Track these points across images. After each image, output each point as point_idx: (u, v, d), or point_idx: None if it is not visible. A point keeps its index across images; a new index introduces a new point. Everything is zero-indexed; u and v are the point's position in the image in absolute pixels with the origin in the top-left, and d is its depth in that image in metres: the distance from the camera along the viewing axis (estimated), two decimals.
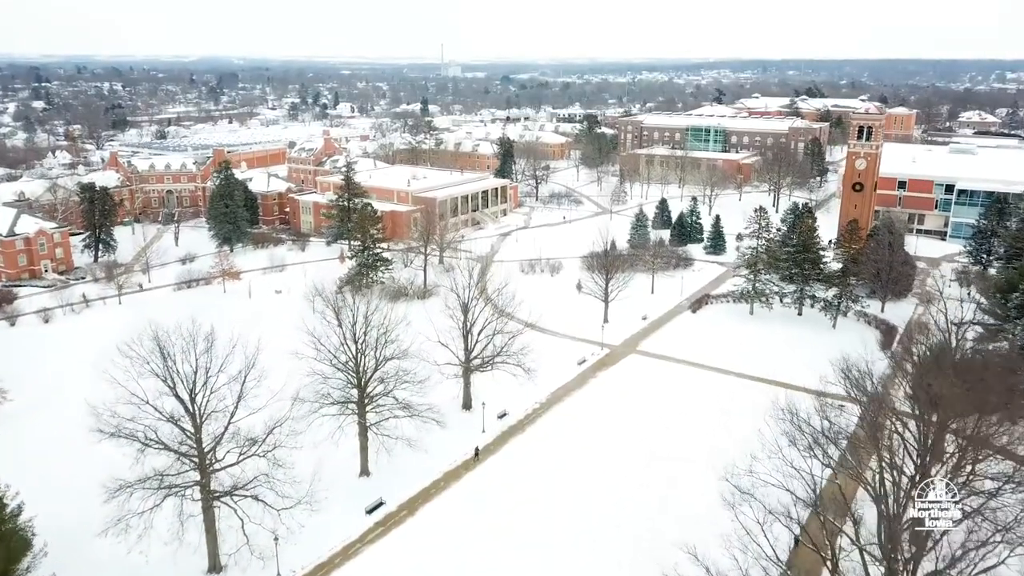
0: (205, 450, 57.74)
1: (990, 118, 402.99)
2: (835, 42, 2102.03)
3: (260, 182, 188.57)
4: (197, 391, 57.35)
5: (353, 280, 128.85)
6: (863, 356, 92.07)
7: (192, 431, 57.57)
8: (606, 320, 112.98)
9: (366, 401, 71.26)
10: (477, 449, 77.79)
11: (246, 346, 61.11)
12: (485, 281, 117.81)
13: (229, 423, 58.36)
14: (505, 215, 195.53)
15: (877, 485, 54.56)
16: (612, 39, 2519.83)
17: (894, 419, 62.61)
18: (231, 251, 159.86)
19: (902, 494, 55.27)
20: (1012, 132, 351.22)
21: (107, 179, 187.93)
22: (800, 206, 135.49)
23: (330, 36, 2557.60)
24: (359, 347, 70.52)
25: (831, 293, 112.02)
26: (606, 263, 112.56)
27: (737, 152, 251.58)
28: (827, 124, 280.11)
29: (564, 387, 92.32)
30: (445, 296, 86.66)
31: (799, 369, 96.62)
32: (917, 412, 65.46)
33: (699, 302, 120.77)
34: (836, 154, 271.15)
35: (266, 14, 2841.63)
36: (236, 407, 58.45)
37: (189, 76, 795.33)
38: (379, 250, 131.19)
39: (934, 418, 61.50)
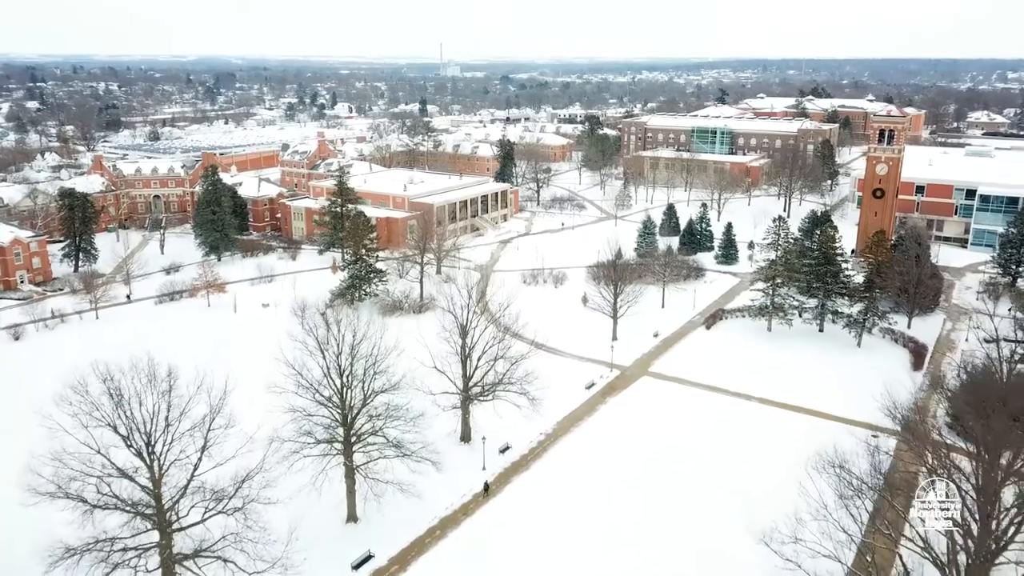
0: (165, 507, 50.28)
1: (999, 118, 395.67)
2: (835, 41, 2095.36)
3: (250, 187, 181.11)
4: (156, 440, 49.84)
5: (345, 293, 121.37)
6: (900, 384, 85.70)
7: (150, 486, 50.07)
8: (615, 338, 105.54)
9: (353, 440, 63.77)
10: (487, 484, 70.72)
11: (211, 389, 53.40)
12: (486, 301, 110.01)
13: (193, 475, 50.86)
14: (505, 220, 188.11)
15: (942, 551, 47.28)
16: (611, 39, 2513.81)
17: (951, 469, 54.88)
18: (218, 260, 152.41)
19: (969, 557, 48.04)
20: (1023, 133, 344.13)
21: (91, 184, 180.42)
22: (819, 214, 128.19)
23: (329, 36, 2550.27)
24: (344, 381, 63.00)
25: (856, 309, 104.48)
26: (614, 277, 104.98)
27: (744, 154, 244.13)
28: (836, 125, 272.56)
29: (572, 415, 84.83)
30: (442, 317, 79.04)
31: (826, 394, 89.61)
32: (975, 451, 58.30)
33: (713, 317, 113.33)
34: (843, 156, 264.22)
35: (266, 14, 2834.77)
36: (200, 458, 50.93)
37: (186, 76, 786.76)
38: (373, 261, 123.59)
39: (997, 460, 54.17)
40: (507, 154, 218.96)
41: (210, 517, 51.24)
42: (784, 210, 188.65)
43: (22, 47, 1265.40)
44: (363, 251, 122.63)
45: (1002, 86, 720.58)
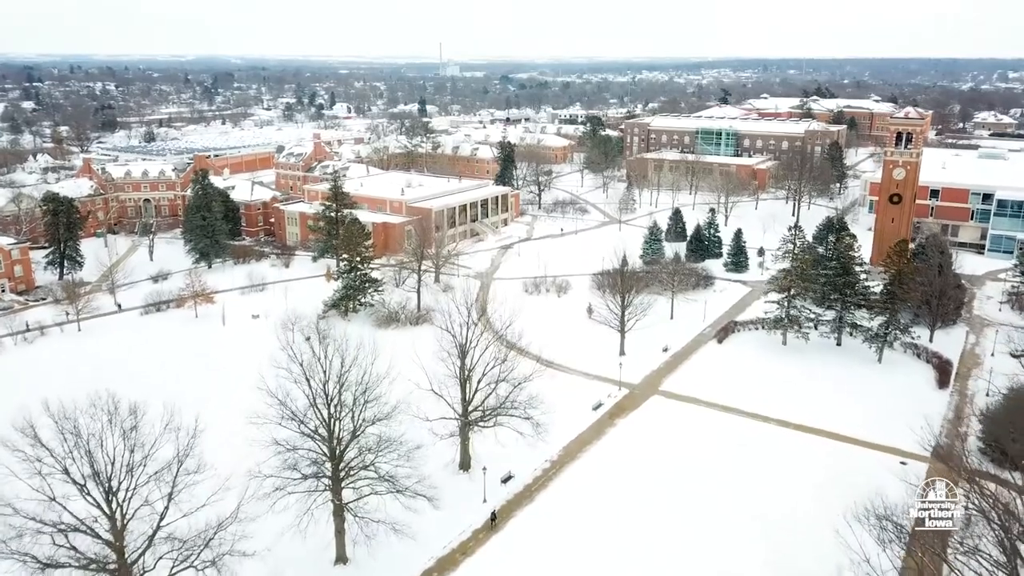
0: (128, 561, 44.86)
1: (1005, 119, 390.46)
2: (834, 41, 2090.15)
3: (243, 190, 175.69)
4: (117, 487, 44.44)
5: (338, 304, 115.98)
6: (926, 403, 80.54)
7: (111, 538, 44.67)
8: (622, 352, 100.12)
9: (342, 475, 58.38)
10: (494, 514, 65.70)
11: (179, 430, 47.95)
12: (487, 315, 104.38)
13: (159, 525, 45.47)
14: (506, 225, 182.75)
15: None
16: (611, 39, 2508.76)
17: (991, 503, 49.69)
18: (209, 267, 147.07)
19: None
20: None
21: (79, 187, 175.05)
22: (834, 220, 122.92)
23: (328, 36, 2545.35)
24: (332, 411, 57.61)
25: (877, 322, 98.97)
26: (622, 289, 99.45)
27: (750, 156, 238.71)
28: (844, 127, 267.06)
29: (579, 439, 79.41)
30: (440, 336, 73.54)
31: (848, 415, 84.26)
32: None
33: (725, 330, 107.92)
34: (850, 157, 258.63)
35: (266, 14, 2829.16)
36: (167, 505, 45.52)
37: (184, 76, 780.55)
38: (368, 270, 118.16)
39: None
40: (507, 156, 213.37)
41: (179, 572, 45.82)
42: (793, 214, 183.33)
43: (21, 47, 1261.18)
44: (358, 260, 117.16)
45: (1004, 86, 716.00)
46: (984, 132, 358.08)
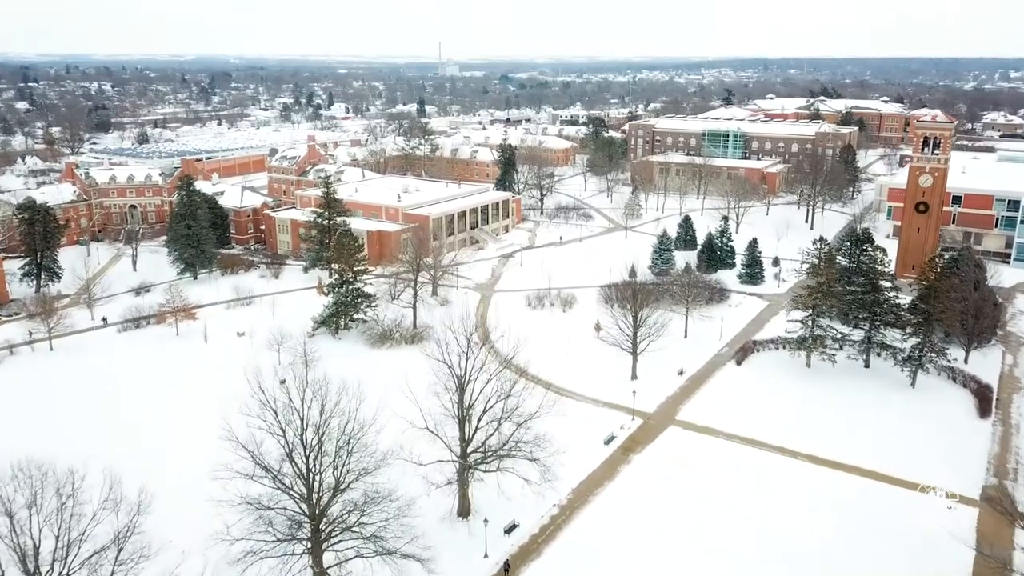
0: None
1: (1015, 119, 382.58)
2: (834, 40, 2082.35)
3: (232, 196, 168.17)
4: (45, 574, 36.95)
5: (328, 321, 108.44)
6: (966, 434, 73.57)
7: None
8: (634, 376, 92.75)
9: (322, 536, 50.94)
10: (507, 564, 58.54)
11: (120, 502, 40.40)
12: (488, 334, 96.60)
13: None
14: (507, 232, 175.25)
15: None
16: (610, 38, 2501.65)
17: None
18: (194, 278, 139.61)
19: None
20: None
21: (61, 193, 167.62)
22: (858, 230, 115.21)
23: (328, 35, 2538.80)
24: (311, 465, 50.16)
25: (910, 343, 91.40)
26: (634, 308, 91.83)
27: (758, 159, 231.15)
28: (855, 128, 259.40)
29: (590, 479, 71.90)
30: (436, 367, 65.89)
31: (883, 448, 77.03)
32: None
33: (744, 350, 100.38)
34: (860, 160, 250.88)
35: (265, 13, 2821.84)
36: None
37: (181, 76, 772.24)
38: (360, 284, 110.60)
39: None
40: (508, 159, 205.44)
41: None
42: (806, 220, 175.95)
43: (20, 47, 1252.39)
44: (350, 273, 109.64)
45: (1008, 86, 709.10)
46: (994, 133, 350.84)
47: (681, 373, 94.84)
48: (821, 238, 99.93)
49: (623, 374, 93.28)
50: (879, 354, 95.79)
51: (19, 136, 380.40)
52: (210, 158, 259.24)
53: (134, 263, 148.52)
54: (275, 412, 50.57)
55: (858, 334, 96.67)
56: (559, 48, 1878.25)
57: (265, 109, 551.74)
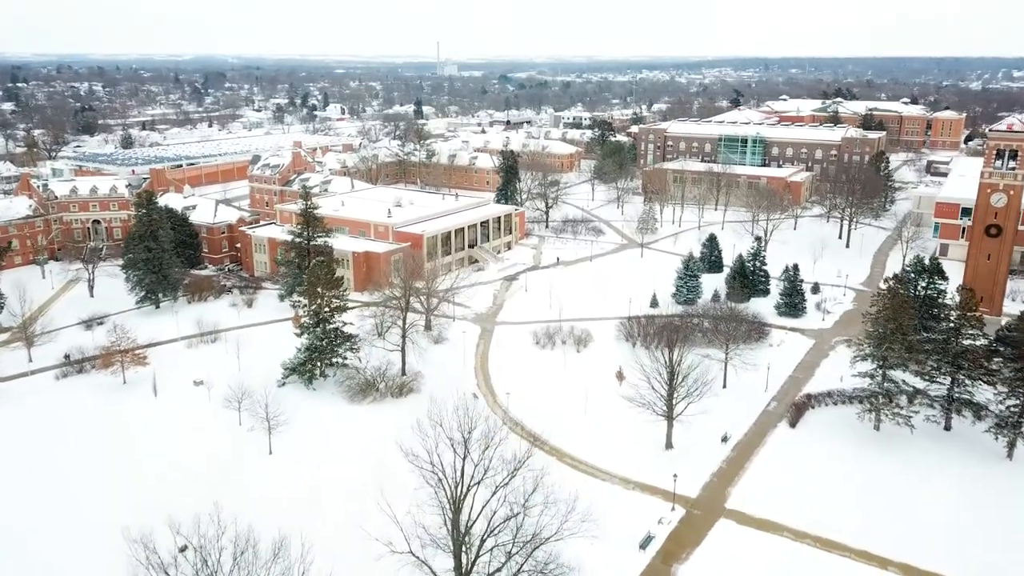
0: None
1: None
2: (833, 40, 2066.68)
3: (205, 210, 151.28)
4: None
5: (301, 369, 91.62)
6: None
7: None
8: (669, 444, 76.27)
9: None
10: None
11: None
12: (493, 394, 79.42)
13: None
14: (509, 248, 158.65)
15: None
16: (610, 38, 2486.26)
17: None
18: (157, 307, 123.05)
19: None
20: None
21: (14, 208, 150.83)
22: (926, 260, 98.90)
23: (326, 35, 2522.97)
24: None
25: (1009, 404, 74.73)
26: (670, 362, 74.99)
27: (779, 166, 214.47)
28: (883, 133, 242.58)
29: None
30: (424, 478, 49.20)
31: (989, 548, 60.42)
32: None
33: (798, 408, 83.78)
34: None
35: (264, 13, 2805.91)
36: None
37: (174, 76, 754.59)
38: (339, 324, 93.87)
39: None
40: (510, 167, 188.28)
41: None
42: (840, 236, 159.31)
43: (16, 46, 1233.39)
44: (327, 310, 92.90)
45: (1016, 86, 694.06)
46: None
47: (725, 439, 78.19)
48: (896, 276, 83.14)
49: (655, 440, 76.77)
50: (959, 412, 79.36)
51: (0, 139, 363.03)
52: (192, 164, 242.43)
53: (91, 288, 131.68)
54: None
55: (936, 388, 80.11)
56: (558, 47, 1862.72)
57: (258, 110, 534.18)
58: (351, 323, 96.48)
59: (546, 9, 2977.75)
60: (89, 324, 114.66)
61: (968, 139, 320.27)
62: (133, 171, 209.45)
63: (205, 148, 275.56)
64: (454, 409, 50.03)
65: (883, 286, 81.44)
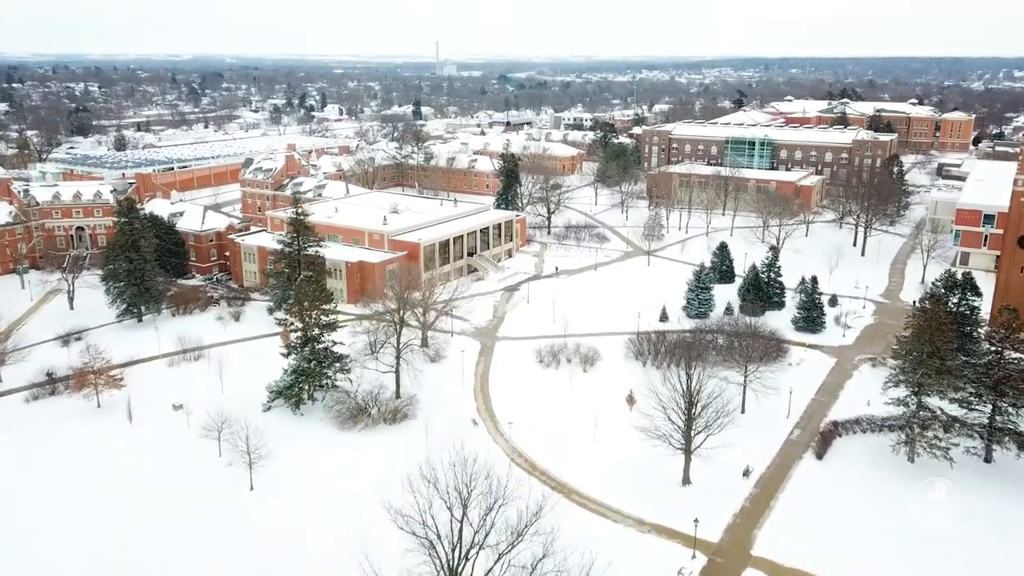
0: None
1: None
2: (833, 39, 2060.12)
3: (193, 217, 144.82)
4: None
5: (287, 392, 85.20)
6: None
7: None
8: (687, 480, 69.90)
9: None
10: None
11: None
12: (495, 420, 72.88)
13: None
14: (510, 256, 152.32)
15: None
16: (609, 38, 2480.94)
17: None
18: (139, 321, 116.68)
19: None
20: None
21: None
22: (960, 275, 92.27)
23: (326, 35, 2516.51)
24: None
25: None
26: (688, 391, 68.56)
27: (787, 169, 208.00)
28: (895, 136, 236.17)
29: None
30: (418, 537, 42.93)
31: None
32: None
33: (824, 437, 77.37)
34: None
35: (264, 13, 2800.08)
36: None
37: (171, 76, 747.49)
38: (328, 343, 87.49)
39: None
40: (511, 171, 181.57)
41: None
42: (855, 244, 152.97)
43: (14, 46, 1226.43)
44: (315, 329, 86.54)
45: (1019, 86, 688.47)
46: None
47: (747, 473, 71.80)
48: (930, 295, 76.77)
49: (671, 476, 70.44)
50: (999, 442, 73.06)
51: None
52: (183, 167, 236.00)
53: (71, 300, 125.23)
54: None
55: (975, 417, 73.74)
56: (558, 47, 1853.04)
57: (256, 111, 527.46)
58: (341, 342, 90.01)
59: (546, 9, 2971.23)
60: (66, 340, 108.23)
61: (976, 141, 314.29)
62: (123, 175, 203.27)
63: (198, 150, 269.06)
64: (451, 464, 43.61)
65: (915, 303, 74.94)
